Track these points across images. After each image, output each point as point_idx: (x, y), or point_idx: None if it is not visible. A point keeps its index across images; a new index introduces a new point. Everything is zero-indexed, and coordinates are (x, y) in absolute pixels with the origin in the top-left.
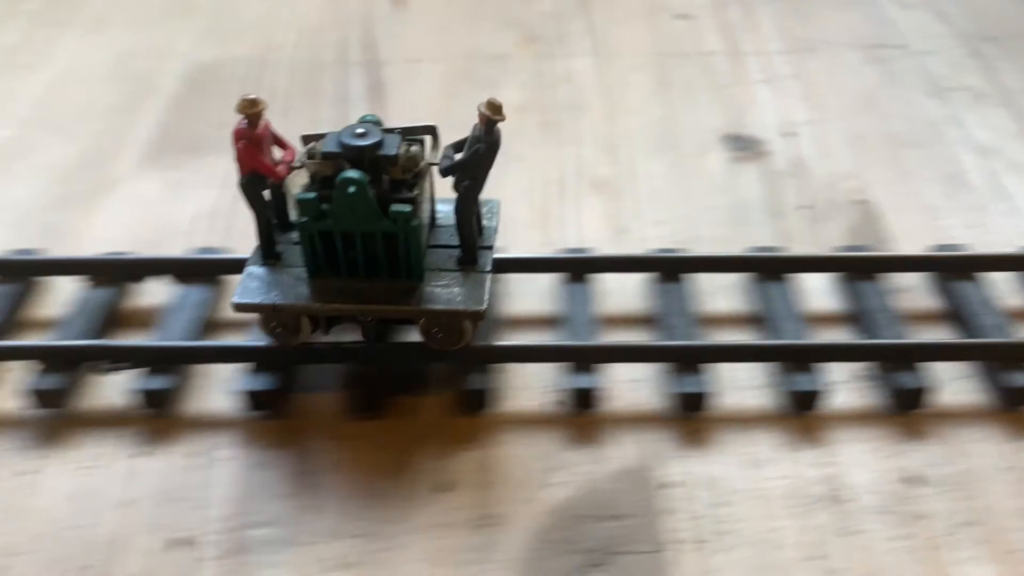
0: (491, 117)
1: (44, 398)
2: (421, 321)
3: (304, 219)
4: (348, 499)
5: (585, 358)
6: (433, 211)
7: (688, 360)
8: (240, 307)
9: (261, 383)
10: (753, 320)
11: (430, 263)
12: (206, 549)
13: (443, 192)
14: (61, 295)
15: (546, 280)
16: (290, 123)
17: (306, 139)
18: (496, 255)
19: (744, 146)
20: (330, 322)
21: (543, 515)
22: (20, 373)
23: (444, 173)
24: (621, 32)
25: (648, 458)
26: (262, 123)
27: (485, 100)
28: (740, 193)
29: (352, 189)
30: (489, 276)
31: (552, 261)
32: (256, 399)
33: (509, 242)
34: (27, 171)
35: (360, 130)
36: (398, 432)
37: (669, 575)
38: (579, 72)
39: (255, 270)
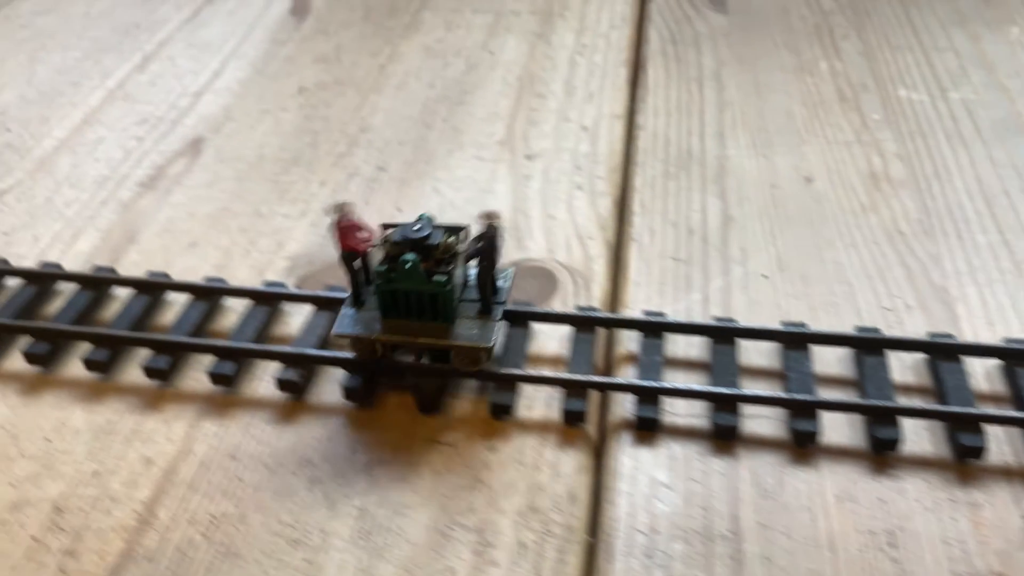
0: (490, 223)
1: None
2: (451, 351)
3: (379, 281)
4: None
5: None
6: (466, 276)
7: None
8: (337, 335)
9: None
10: None
11: (461, 311)
12: None
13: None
14: None
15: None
16: None
17: (385, 226)
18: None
19: None
20: (395, 347)
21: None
22: None
23: (467, 259)
24: None
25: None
26: (350, 217)
27: (485, 212)
28: None
29: (408, 265)
30: (497, 323)
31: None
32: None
33: None
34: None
35: (417, 227)
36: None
37: None
38: None
39: (348, 311)
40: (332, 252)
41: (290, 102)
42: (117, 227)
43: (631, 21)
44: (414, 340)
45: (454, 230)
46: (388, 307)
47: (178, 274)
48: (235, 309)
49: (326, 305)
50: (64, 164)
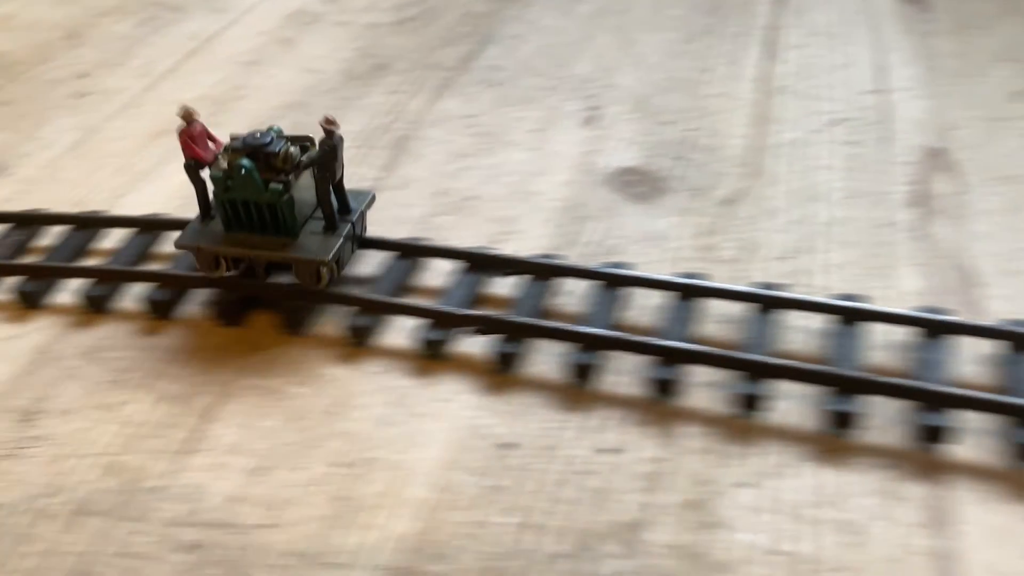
0: (328, 128)
1: None
2: (293, 265)
3: (216, 191)
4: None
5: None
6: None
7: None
8: (179, 245)
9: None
10: None
11: (309, 227)
12: None
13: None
14: None
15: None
16: None
17: (233, 137)
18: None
19: None
20: (237, 261)
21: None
22: None
23: (305, 168)
24: None
25: None
26: (197, 124)
27: (324, 117)
28: None
29: (243, 171)
30: (341, 239)
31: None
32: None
33: None
34: None
35: (258, 134)
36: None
37: None
38: None
39: (195, 224)
40: None
41: (1006, 109)
42: (934, 262)
43: None
44: (253, 252)
45: (301, 140)
46: (230, 220)
47: None
48: None
49: None
50: (782, 170)
